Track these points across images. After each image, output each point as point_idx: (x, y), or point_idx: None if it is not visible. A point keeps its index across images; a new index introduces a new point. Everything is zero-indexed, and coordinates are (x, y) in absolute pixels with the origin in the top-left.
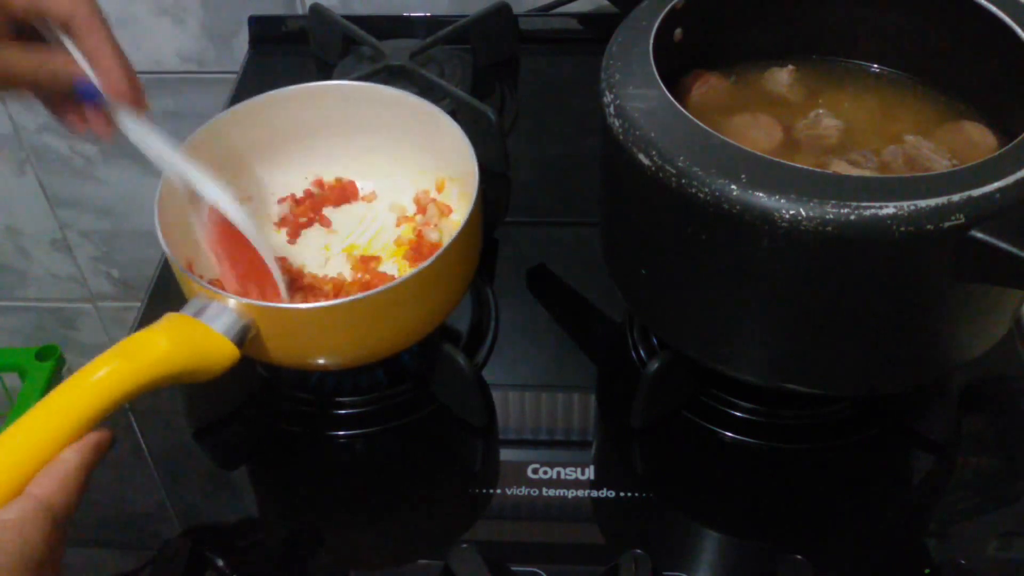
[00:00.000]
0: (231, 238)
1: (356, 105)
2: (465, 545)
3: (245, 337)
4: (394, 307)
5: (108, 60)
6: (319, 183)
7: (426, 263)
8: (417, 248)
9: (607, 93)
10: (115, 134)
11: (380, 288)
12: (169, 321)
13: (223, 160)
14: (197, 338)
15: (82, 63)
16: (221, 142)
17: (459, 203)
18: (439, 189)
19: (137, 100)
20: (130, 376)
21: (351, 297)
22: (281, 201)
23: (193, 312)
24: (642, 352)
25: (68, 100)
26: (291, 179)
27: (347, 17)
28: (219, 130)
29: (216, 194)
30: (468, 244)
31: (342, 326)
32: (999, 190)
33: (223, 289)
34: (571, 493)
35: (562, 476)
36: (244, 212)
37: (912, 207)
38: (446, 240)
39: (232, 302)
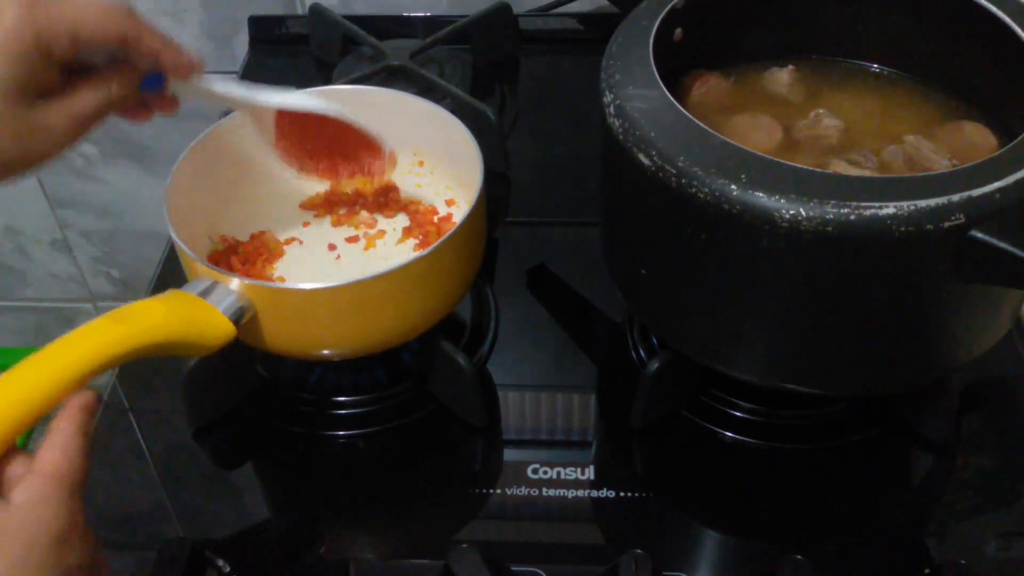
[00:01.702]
0: (304, 137)
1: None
2: (465, 545)
3: (243, 316)
4: (396, 293)
5: (166, 53)
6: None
7: (432, 247)
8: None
9: (607, 93)
10: (179, 106)
11: (381, 272)
12: (170, 294)
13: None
14: (195, 312)
15: (145, 65)
16: (223, 150)
17: (463, 196)
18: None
19: (198, 68)
20: (124, 339)
21: (351, 280)
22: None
23: (194, 290)
24: (642, 352)
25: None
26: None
27: (347, 17)
28: (221, 137)
29: (285, 97)
30: (474, 231)
31: (341, 310)
32: (999, 190)
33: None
34: (571, 493)
35: (562, 476)
36: (308, 95)
37: (912, 207)
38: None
39: (234, 282)
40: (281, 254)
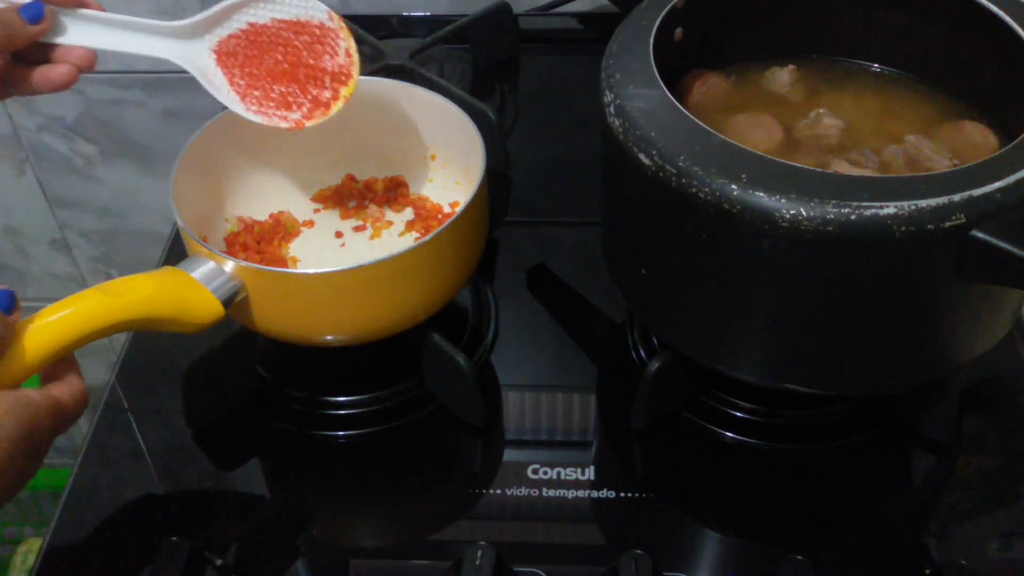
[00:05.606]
0: (253, 64)
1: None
2: (484, 543)
3: (234, 298)
4: (391, 281)
5: None
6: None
7: (433, 234)
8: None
9: (607, 93)
10: (94, 60)
11: (375, 260)
12: (162, 271)
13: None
14: (184, 290)
15: None
16: (232, 138)
17: (464, 187)
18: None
19: None
20: (109, 310)
21: (346, 266)
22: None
23: (186, 268)
24: (642, 352)
25: (28, 63)
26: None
27: (347, 16)
28: (230, 125)
29: (194, 18)
30: (473, 222)
31: (332, 296)
32: (999, 190)
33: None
34: (571, 493)
35: (562, 476)
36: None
37: (913, 207)
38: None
39: (228, 264)
40: (298, 233)
